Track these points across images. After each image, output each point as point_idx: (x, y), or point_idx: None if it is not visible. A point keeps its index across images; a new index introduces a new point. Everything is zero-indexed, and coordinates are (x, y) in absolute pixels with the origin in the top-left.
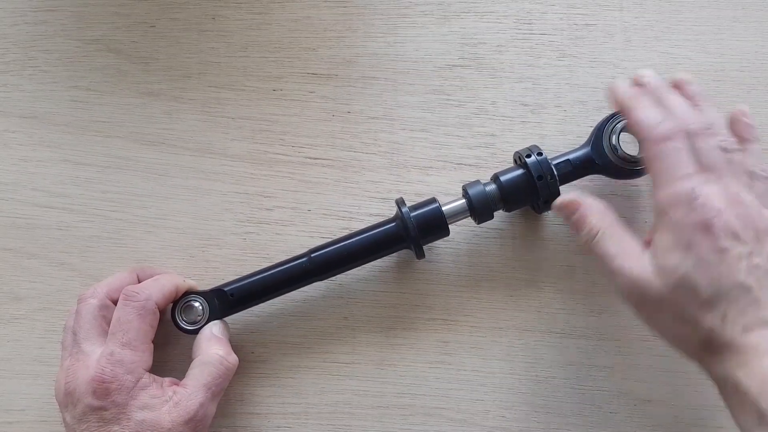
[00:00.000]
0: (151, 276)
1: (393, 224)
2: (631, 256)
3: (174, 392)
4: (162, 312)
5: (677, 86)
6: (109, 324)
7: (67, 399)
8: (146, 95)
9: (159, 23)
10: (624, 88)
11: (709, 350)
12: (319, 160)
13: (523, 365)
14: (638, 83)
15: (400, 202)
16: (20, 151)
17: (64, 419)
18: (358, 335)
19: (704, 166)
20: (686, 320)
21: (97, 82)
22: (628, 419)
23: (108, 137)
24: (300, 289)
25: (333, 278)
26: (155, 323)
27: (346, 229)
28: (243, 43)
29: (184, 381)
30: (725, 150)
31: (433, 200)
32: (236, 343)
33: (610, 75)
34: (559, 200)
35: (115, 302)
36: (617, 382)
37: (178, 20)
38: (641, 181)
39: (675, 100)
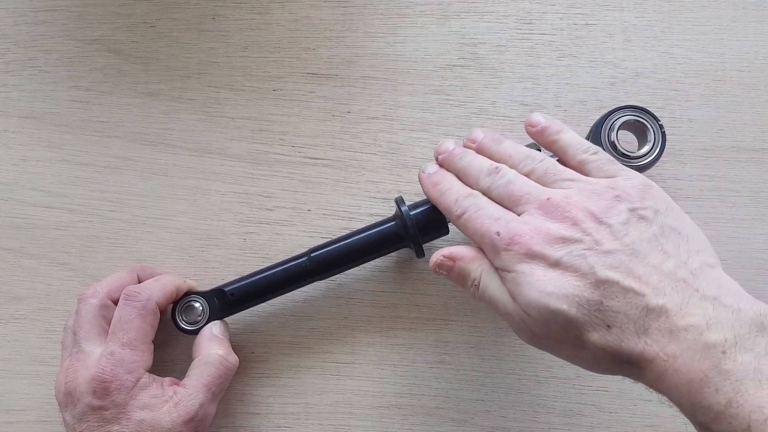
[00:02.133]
0: (152, 276)
1: (392, 223)
2: (510, 298)
3: (174, 392)
4: (162, 312)
5: (472, 142)
6: (109, 324)
7: (67, 399)
8: (146, 95)
9: (159, 23)
10: (427, 180)
11: (623, 365)
12: (319, 160)
13: (523, 365)
14: (441, 152)
15: (399, 201)
16: (19, 151)
17: (64, 419)
18: (357, 335)
19: (506, 205)
20: (579, 345)
21: (96, 82)
22: (628, 419)
23: (107, 137)
24: (300, 289)
25: (333, 278)
26: (156, 323)
27: (346, 229)
28: (243, 43)
29: (184, 381)
30: (513, 181)
31: None
32: (236, 343)
33: (610, 75)
34: (435, 260)
35: (115, 302)
36: (617, 381)
37: (178, 20)
38: None
39: (468, 161)
